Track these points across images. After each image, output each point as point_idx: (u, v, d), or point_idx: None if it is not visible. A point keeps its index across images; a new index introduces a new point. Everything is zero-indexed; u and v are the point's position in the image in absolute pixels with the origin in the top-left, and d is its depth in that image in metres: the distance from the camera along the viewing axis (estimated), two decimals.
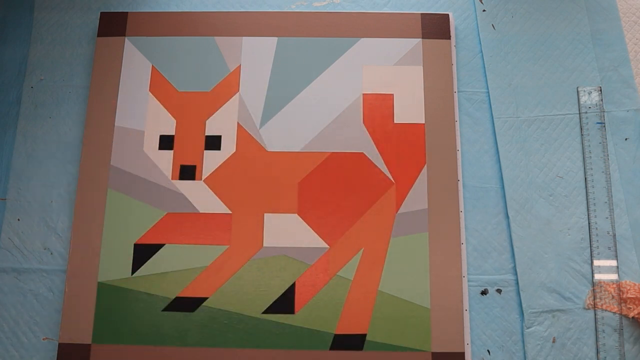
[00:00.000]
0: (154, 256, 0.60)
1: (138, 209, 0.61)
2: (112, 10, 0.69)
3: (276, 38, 0.67)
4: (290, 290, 0.59)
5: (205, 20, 0.68)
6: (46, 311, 0.60)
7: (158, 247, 0.60)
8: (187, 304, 0.59)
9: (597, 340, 0.58)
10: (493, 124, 0.65)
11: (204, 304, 0.59)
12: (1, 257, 0.61)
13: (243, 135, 0.64)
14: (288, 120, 0.64)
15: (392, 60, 0.66)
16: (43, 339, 0.59)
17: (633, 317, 0.58)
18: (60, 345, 0.57)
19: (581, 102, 0.65)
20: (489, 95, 0.66)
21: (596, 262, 0.60)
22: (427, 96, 0.65)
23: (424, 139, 0.63)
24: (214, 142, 0.64)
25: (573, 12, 0.69)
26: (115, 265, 0.60)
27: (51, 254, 0.61)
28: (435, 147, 0.63)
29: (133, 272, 0.60)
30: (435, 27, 0.67)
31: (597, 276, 0.60)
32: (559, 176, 0.63)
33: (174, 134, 0.64)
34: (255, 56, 0.66)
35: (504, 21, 0.69)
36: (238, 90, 0.65)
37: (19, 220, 0.62)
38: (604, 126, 0.64)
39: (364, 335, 0.57)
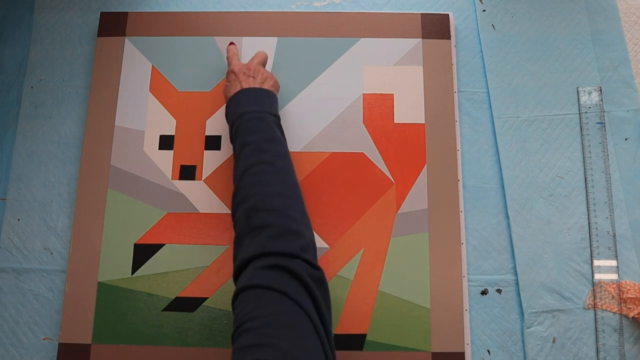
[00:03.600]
0: (154, 256, 0.60)
1: (138, 209, 0.61)
2: (112, 10, 0.69)
3: (276, 38, 0.67)
4: None
5: (205, 20, 0.68)
6: (46, 311, 0.60)
7: (158, 247, 0.60)
8: (187, 304, 0.59)
9: (597, 340, 0.58)
10: (493, 124, 0.65)
11: (204, 304, 0.59)
12: (1, 257, 0.61)
13: None
14: (288, 120, 0.64)
15: (392, 60, 0.66)
16: (43, 339, 0.59)
17: (633, 317, 0.58)
18: (60, 345, 0.57)
19: (581, 102, 0.65)
20: (489, 95, 0.66)
21: (596, 262, 0.60)
22: (427, 96, 0.65)
23: (424, 139, 0.63)
24: (214, 142, 0.64)
25: (573, 12, 0.69)
26: (115, 265, 0.60)
27: (51, 254, 0.61)
28: (435, 147, 0.63)
29: (133, 272, 0.59)
30: (435, 27, 0.67)
31: (597, 276, 0.60)
32: (559, 176, 0.63)
33: (174, 134, 0.64)
34: None
35: (504, 21, 0.69)
36: None
37: (19, 220, 0.62)
38: (604, 126, 0.64)
39: (364, 335, 0.57)
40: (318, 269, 0.43)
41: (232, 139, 0.54)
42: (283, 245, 0.42)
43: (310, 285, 0.40)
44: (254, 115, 0.52)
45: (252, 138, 0.51)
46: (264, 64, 0.61)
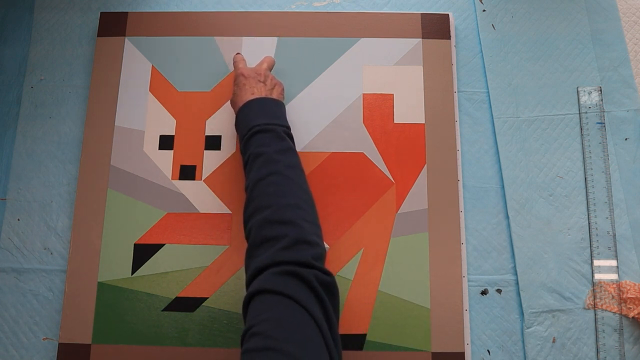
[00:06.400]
0: (154, 256, 0.60)
1: (138, 209, 0.61)
2: (112, 10, 0.69)
3: (276, 38, 0.67)
4: None
5: (205, 20, 0.68)
6: (46, 311, 0.60)
7: (158, 247, 0.60)
8: (187, 304, 0.59)
9: (597, 340, 0.58)
10: (493, 124, 0.65)
11: (204, 304, 0.59)
12: (1, 257, 0.61)
13: None
14: (288, 120, 0.64)
15: (392, 60, 0.66)
16: (43, 339, 0.59)
17: (633, 317, 0.58)
18: (60, 345, 0.57)
19: (581, 102, 0.65)
20: (489, 95, 0.66)
21: (596, 262, 0.60)
22: (427, 96, 0.65)
23: (424, 139, 0.63)
24: (214, 142, 0.64)
25: (573, 12, 0.69)
26: (115, 265, 0.60)
27: (51, 254, 0.61)
28: (435, 147, 0.63)
29: (133, 272, 0.59)
30: (435, 27, 0.67)
31: (597, 276, 0.60)
32: (559, 176, 0.63)
33: (174, 134, 0.64)
34: (255, 56, 0.66)
35: (504, 21, 0.69)
36: None
37: (19, 220, 0.62)
38: (604, 126, 0.64)
39: (364, 335, 0.57)
40: (329, 274, 0.44)
41: (242, 151, 0.54)
42: (295, 255, 0.43)
43: (319, 291, 0.41)
44: (265, 127, 0.52)
45: (264, 150, 0.51)
46: (271, 68, 0.61)
